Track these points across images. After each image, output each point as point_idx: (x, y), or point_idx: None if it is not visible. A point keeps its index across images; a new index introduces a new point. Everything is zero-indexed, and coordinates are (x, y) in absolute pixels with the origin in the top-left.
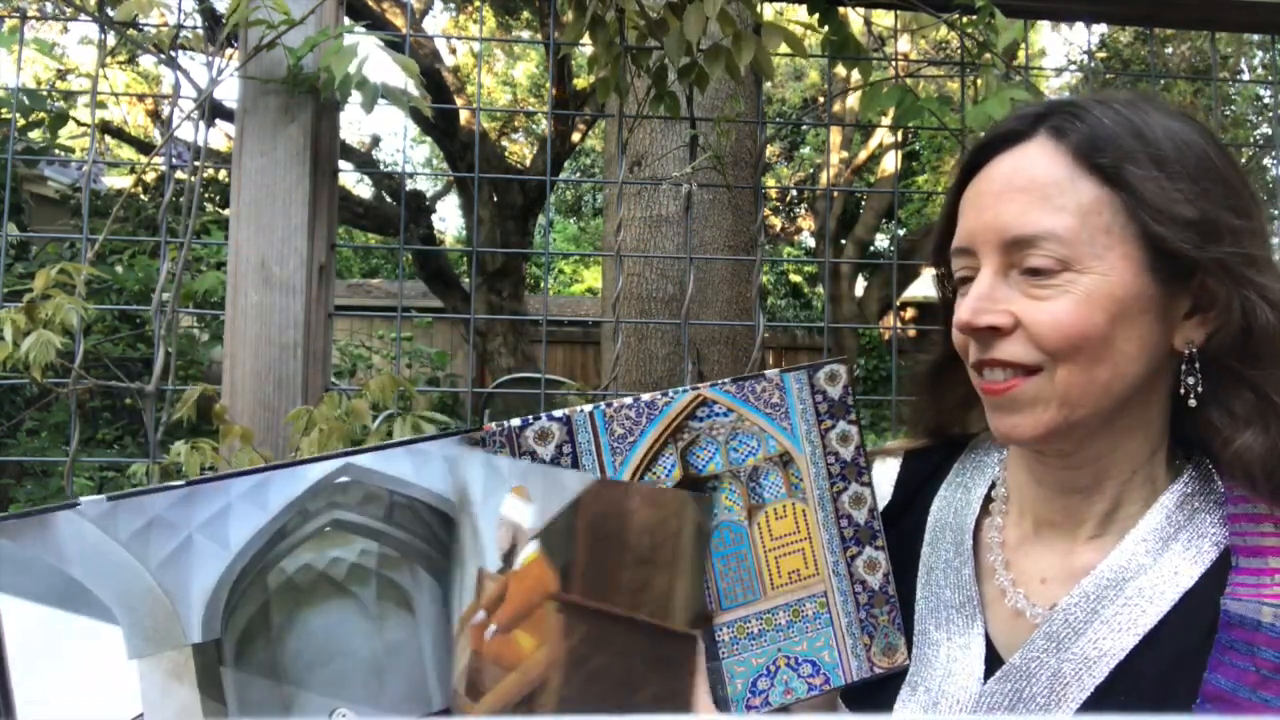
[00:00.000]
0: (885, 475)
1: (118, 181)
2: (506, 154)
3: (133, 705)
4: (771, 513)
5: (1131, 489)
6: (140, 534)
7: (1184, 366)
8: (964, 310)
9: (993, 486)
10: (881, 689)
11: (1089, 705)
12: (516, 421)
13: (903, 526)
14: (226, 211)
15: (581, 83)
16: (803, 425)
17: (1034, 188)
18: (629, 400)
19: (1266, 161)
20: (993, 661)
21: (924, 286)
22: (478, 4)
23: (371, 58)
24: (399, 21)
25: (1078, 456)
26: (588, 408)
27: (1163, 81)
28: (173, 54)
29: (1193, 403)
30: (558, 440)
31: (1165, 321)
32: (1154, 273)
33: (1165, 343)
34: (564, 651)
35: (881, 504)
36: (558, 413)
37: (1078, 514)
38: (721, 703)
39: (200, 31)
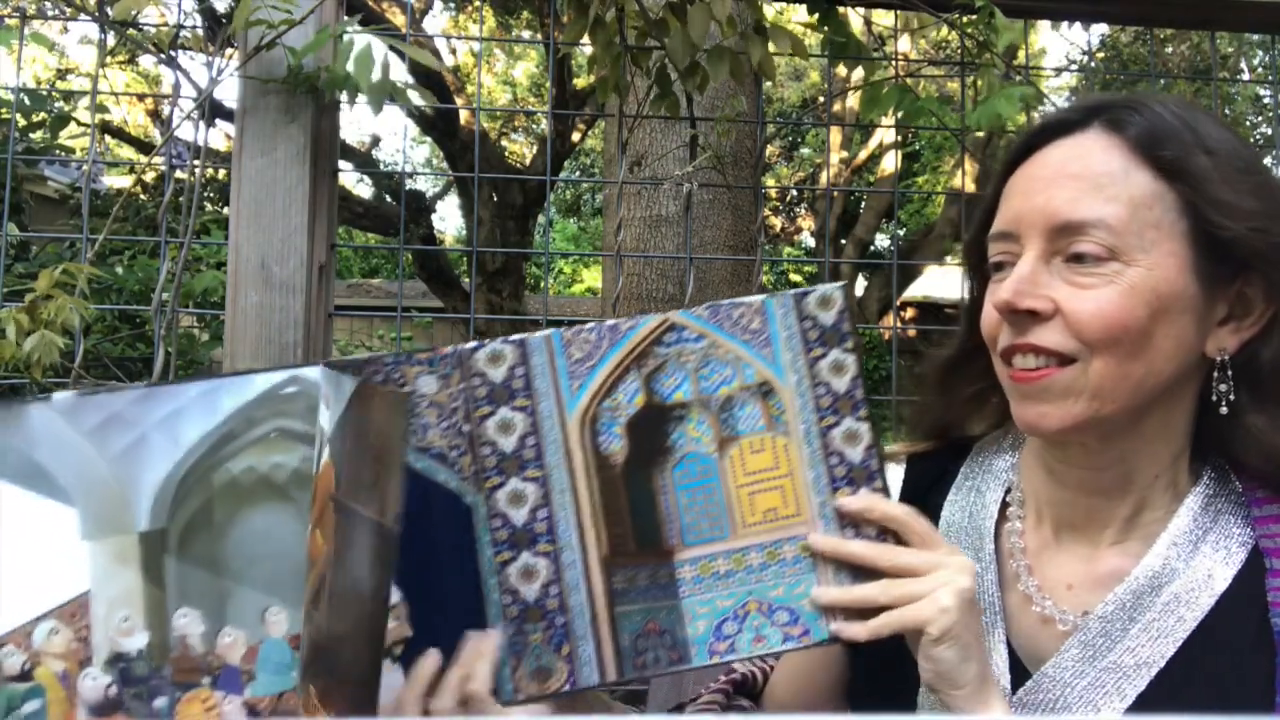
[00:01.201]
0: (889, 481)
1: (118, 181)
2: (506, 154)
3: (81, 583)
4: (746, 446)
5: (1155, 493)
6: (100, 428)
7: (1216, 373)
8: (1005, 290)
9: (1008, 491)
10: (897, 694)
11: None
12: (470, 345)
13: None
14: (226, 211)
15: (581, 83)
16: (787, 354)
17: (1087, 175)
18: (590, 324)
19: (1267, 161)
20: (1015, 669)
21: (924, 286)
22: (478, 4)
23: (385, 59)
24: (399, 21)
25: (1103, 456)
26: (546, 331)
27: (1162, 81)
28: (173, 54)
29: (1224, 410)
30: (510, 363)
31: (1202, 325)
32: (1196, 273)
33: (1198, 347)
34: (334, 547)
35: None
36: (514, 336)
37: (1101, 517)
38: (681, 644)
39: (200, 31)
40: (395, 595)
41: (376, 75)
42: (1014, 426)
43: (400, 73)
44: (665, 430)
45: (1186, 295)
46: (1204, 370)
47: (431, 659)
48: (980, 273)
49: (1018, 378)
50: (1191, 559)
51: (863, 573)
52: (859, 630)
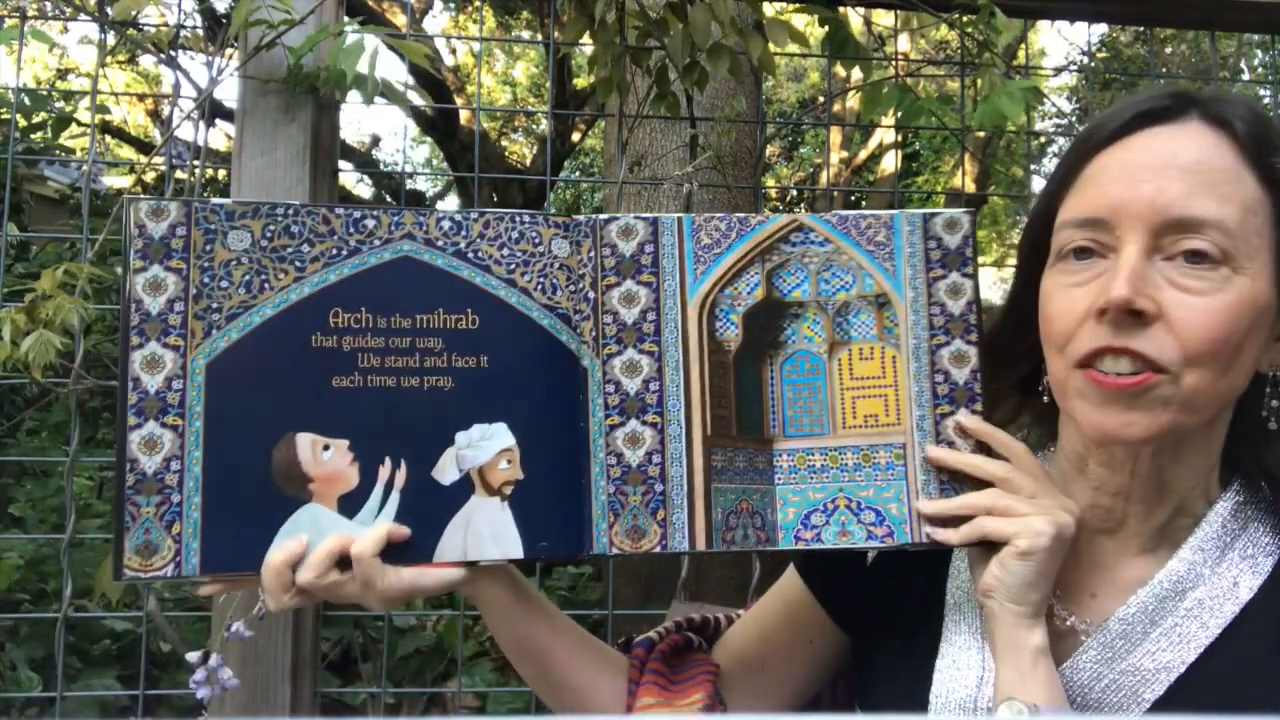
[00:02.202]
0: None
1: (118, 181)
2: (506, 154)
3: None
4: (856, 352)
5: (1189, 503)
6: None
7: (1269, 389)
8: (1123, 286)
9: None
10: (911, 699)
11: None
12: (604, 216)
13: None
14: None
15: (581, 83)
16: (907, 270)
17: (1201, 171)
18: (722, 215)
19: None
20: None
21: None
22: (478, 4)
23: (378, 53)
24: (399, 21)
25: (1149, 464)
26: (678, 214)
27: (1162, 81)
28: (173, 54)
29: (1273, 425)
30: (640, 239)
31: (1268, 340)
32: (1278, 287)
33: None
34: None
35: None
36: (647, 214)
37: (1134, 525)
38: (770, 526)
39: (200, 31)
40: (510, 439)
41: (363, 65)
42: (1035, 429)
43: (400, 73)
44: (780, 325)
45: (1270, 310)
46: (1256, 386)
47: (297, 540)
48: (1036, 257)
49: (1106, 383)
50: (1218, 565)
51: (952, 488)
52: (951, 535)
